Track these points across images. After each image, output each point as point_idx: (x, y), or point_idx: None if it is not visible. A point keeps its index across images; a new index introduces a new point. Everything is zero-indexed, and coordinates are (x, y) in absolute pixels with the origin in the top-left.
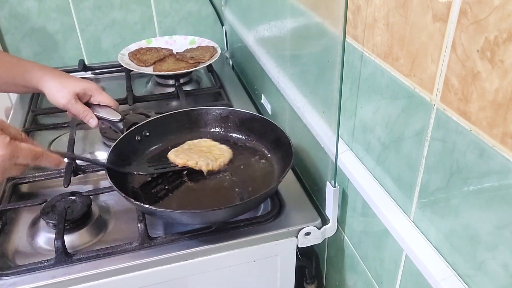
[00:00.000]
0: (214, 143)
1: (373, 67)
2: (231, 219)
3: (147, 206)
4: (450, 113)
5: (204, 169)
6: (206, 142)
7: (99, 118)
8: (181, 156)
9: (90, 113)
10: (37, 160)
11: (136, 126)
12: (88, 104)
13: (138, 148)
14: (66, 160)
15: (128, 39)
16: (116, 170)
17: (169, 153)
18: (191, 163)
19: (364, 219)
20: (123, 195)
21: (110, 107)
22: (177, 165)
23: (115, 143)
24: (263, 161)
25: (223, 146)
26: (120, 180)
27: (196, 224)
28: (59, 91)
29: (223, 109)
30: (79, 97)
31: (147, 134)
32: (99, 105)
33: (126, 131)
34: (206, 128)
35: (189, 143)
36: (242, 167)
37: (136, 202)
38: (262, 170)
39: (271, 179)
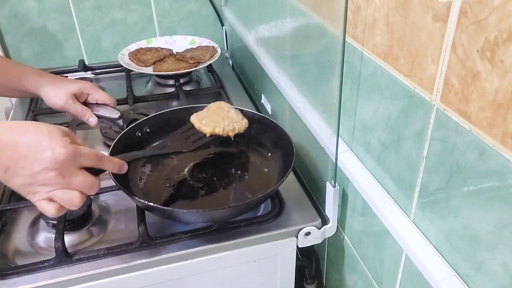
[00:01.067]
0: (228, 107)
1: (373, 67)
2: (232, 218)
3: (151, 204)
4: (450, 113)
5: (231, 134)
6: (222, 106)
7: (98, 116)
8: (206, 121)
9: (89, 112)
10: (100, 161)
11: (137, 122)
12: (86, 104)
13: (139, 144)
14: (127, 166)
15: (128, 39)
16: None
17: (192, 117)
18: (218, 130)
19: (364, 219)
20: (127, 192)
21: (108, 104)
22: (206, 135)
23: (116, 139)
24: (264, 160)
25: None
26: (123, 178)
27: (197, 223)
28: (56, 93)
29: None
30: (76, 97)
31: (148, 130)
32: (97, 104)
33: (127, 127)
34: None
35: (209, 107)
36: (243, 166)
37: (140, 200)
38: (264, 169)
39: (272, 179)
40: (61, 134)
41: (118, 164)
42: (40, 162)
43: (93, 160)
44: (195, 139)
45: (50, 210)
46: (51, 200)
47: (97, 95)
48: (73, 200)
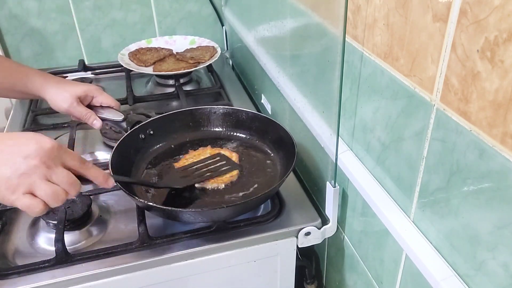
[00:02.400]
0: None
1: (373, 67)
2: (232, 218)
3: (151, 204)
4: (450, 113)
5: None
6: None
7: (102, 119)
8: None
9: (93, 115)
10: (84, 166)
11: (140, 124)
12: (90, 107)
13: (142, 147)
14: (113, 181)
15: (128, 39)
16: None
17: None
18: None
19: (364, 219)
20: (127, 192)
21: (112, 107)
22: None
23: (119, 141)
24: (265, 160)
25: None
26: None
27: (197, 223)
28: (61, 95)
29: (227, 108)
30: (80, 99)
31: (151, 132)
32: (100, 106)
33: (130, 129)
34: (209, 127)
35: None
36: (244, 166)
37: (140, 200)
38: (265, 169)
39: (273, 179)
40: (48, 137)
41: (102, 174)
42: (23, 151)
43: (78, 161)
44: (190, 178)
45: (35, 206)
46: (33, 195)
47: (101, 98)
48: (57, 194)
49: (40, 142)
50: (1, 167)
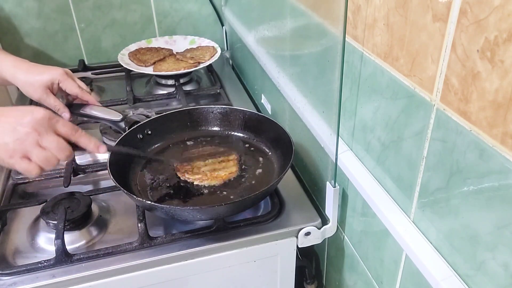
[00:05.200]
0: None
1: (373, 67)
2: (232, 215)
3: (149, 202)
4: (450, 113)
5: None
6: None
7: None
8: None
9: (62, 107)
10: (76, 133)
11: (138, 124)
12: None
13: (140, 146)
14: (105, 147)
15: (128, 39)
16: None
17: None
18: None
19: (364, 219)
20: (126, 192)
21: (96, 104)
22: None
23: (117, 141)
24: (263, 159)
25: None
26: (123, 179)
27: (196, 221)
28: (30, 87)
29: (224, 107)
30: (50, 89)
31: (149, 132)
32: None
33: (128, 130)
34: (207, 126)
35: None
36: (243, 165)
37: (139, 199)
38: (263, 168)
39: (271, 177)
40: (43, 108)
41: (94, 142)
42: (19, 121)
43: (69, 128)
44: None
45: (31, 169)
46: (29, 159)
47: (65, 84)
48: (48, 159)
49: (33, 112)
50: (2, 134)
